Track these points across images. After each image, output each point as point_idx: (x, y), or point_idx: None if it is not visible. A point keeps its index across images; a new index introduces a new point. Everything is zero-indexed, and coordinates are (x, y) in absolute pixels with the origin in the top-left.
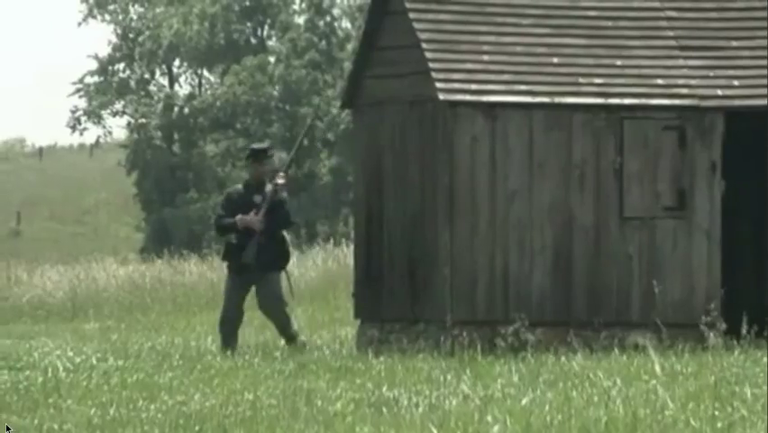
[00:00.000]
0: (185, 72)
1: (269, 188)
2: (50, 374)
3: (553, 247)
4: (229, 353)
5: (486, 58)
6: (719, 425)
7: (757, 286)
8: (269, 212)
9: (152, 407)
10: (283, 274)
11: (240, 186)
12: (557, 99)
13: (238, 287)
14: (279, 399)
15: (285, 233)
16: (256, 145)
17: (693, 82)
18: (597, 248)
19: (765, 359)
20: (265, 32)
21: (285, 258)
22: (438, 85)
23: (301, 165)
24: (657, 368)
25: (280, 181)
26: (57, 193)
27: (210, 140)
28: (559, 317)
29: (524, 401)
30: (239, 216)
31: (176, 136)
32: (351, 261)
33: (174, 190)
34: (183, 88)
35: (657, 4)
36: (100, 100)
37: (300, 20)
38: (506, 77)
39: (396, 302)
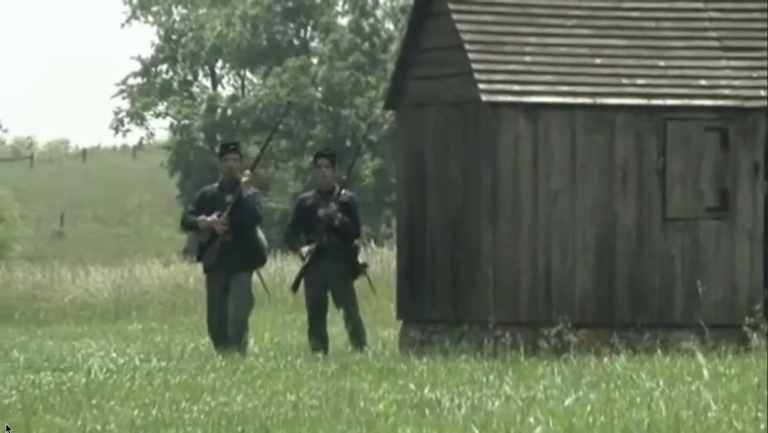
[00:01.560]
0: (227, 74)
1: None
2: (93, 375)
3: (596, 248)
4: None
5: (528, 59)
6: (762, 427)
7: None
8: (233, 211)
9: (195, 408)
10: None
11: (216, 184)
12: (599, 100)
13: (212, 288)
14: (322, 400)
15: (259, 232)
16: (224, 141)
17: (736, 83)
18: (639, 249)
19: None
20: (308, 34)
21: (256, 257)
22: (481, 86)
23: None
24: (701, 360)
25: (244, 179)
26: (100, 194)
27: (252, 141)
28: (601, 318)
29: (566, 403)
30: (201, 217)
31: (218, 138)
32: (393, 262)
33: None
34: (226, 90)
35: (700, 5)
36: (143, 102)
37: (343, 21)
38: (548, 77)
39: (438, 303)
